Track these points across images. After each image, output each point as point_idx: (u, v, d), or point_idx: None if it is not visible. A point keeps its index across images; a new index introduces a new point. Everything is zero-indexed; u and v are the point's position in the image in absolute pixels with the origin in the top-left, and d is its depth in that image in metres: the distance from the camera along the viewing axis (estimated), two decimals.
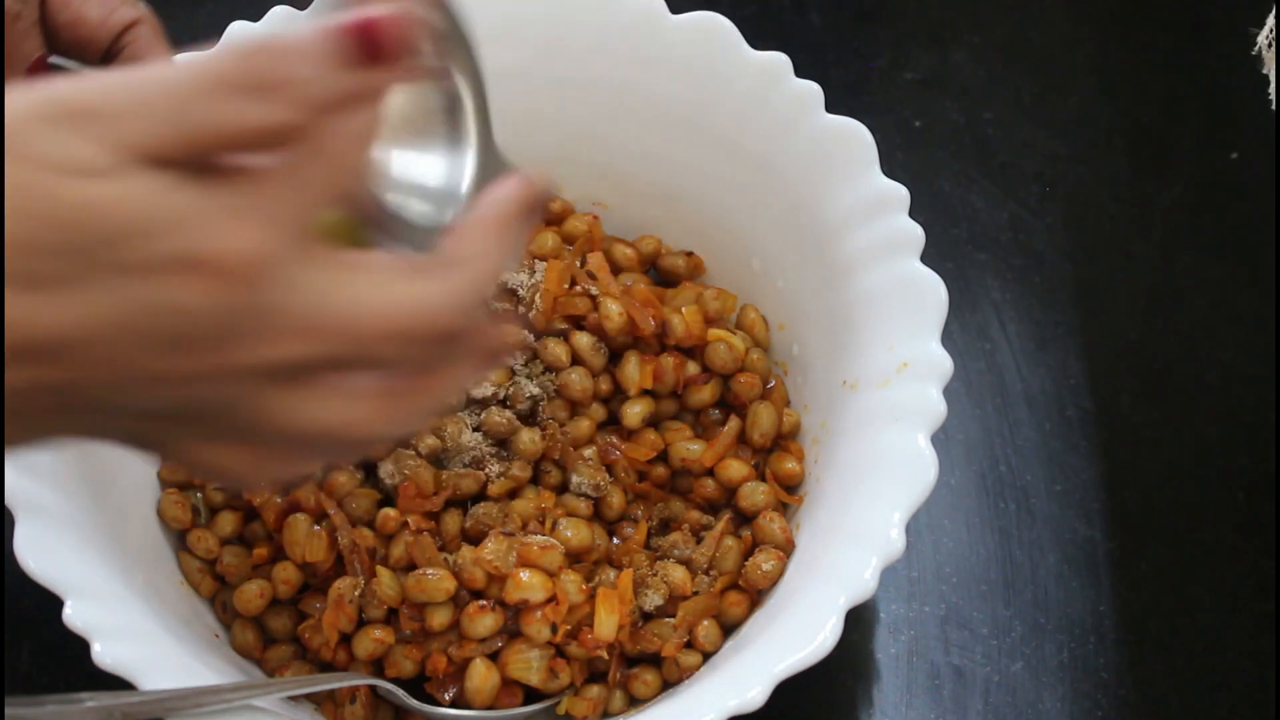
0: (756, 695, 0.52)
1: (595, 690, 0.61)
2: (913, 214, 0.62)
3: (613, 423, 0.67)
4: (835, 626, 0.53)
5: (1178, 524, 0.71)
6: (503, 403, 0.65)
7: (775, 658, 0.53)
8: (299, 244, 0.35)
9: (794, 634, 0.54)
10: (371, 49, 0.35)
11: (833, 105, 0.64)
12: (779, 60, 0.65)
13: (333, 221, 0.39)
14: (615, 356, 0.67)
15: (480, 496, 0.64)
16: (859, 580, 0.54)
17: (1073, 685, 0.66)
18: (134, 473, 0.63)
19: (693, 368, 0.67)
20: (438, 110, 0.45)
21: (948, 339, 0.59)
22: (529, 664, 0.60)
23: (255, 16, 0.66)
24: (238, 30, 0.65)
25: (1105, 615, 0.68)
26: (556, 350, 0.65)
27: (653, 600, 0.62)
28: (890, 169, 0.63)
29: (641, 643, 0.61)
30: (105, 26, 0.53)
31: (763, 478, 0.65)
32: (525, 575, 0.59)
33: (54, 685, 0.64)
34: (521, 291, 0.66)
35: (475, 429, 0.64)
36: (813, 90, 0.64)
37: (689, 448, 0.66)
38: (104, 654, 0.52)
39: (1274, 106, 0.72)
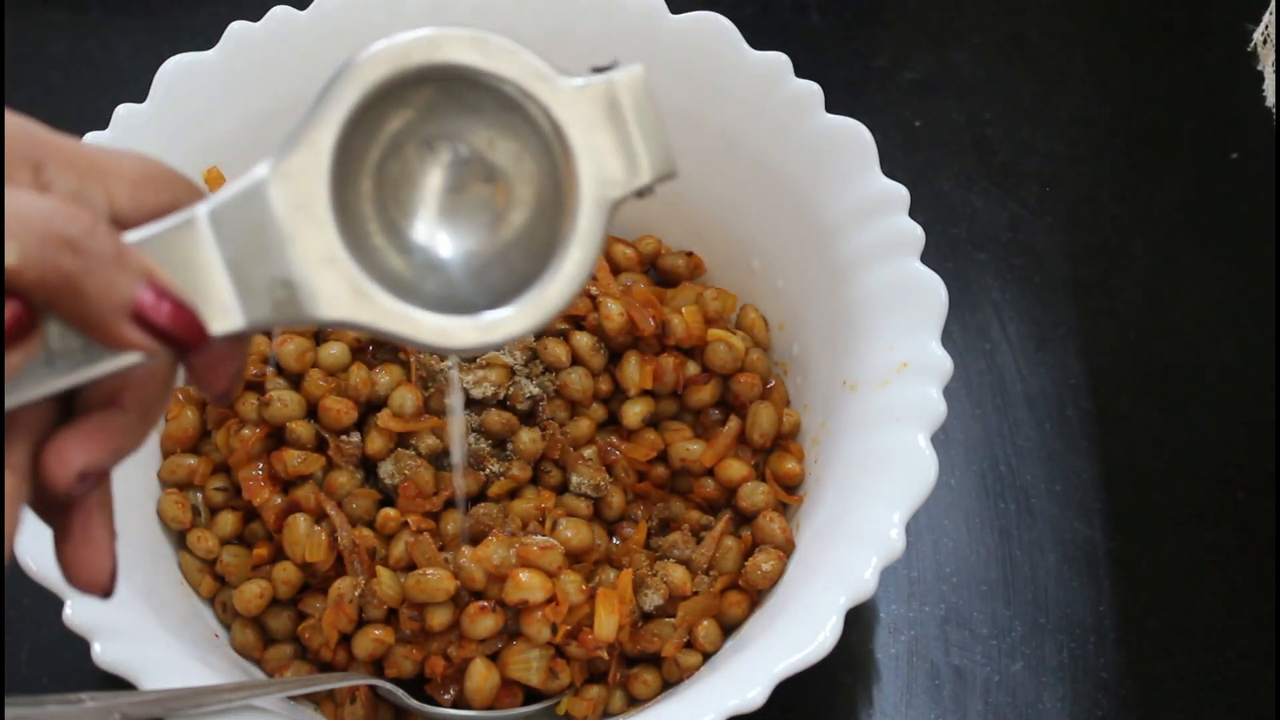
0: (756, 695, 0.52)
1: (595, 690, 0.61)
2: (913, 214, 0.62)
3: (613, 423, 0.67)
4: (835, 626, 0.53)
5: (1178, 524, 0.71)
6: (503, 403, 0.65)
7: (775, 658, 0.53)
8: None
9: (794, 634, 0.54)
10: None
11: (833, 105, 0.64)
12: (779, 60, 0.65)
13: None
14: (615, 356, 0.67)
15: (480, 496, 0.64)
16: (859, 580, 0.54)
17: (1073, 685, 0.66)
18: (134, 473, 0.63)
19: (693, 368, 0.67)
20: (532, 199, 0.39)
21: (948, 339, 0.59)
22: (529, 664, 0.60)
23: (255, 16, 0.66)
24: (238, 30, 0.65)
25: (1105, 615, 0.68)
26: (556, 350, 0.65)
27: (653, 600, 0.62)
28: (890, 169, 0.63)
29: (641, 643, 0.61)
30: None
31: (763, 478, 0.65)
32: (525, 575, 0.59)
33: (54, 685, 0.64)
34: None
35: (475, 429, 0.64)
36: (813, 90, 0.64)
37: (689, 448, 0.66)
38: (104, 654, 0.53)
39: (1269, 102, 0.72)
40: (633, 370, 0.66)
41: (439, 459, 0.64)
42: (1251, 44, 0.72)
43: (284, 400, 0.63)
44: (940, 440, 0.58)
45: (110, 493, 0.38)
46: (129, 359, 0.35)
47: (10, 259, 0.33)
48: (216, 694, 0.54)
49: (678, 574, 0.62)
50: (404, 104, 0.38)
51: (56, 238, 0.34)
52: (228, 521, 0.64)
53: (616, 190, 0.39)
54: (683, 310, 0.66)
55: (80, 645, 0.53)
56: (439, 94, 0.38)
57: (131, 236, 0.36)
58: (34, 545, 0.54)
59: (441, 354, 0.44)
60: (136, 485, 0.63)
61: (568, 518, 0.63)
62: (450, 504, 0.63)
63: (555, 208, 0.39)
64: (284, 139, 0.37)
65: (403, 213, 0.39)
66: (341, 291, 0.37)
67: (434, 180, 0.39)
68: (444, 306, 0.38)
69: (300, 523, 0.62)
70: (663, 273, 0.71)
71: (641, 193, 0.40)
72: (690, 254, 0.71)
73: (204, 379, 0.38)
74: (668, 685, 0.62)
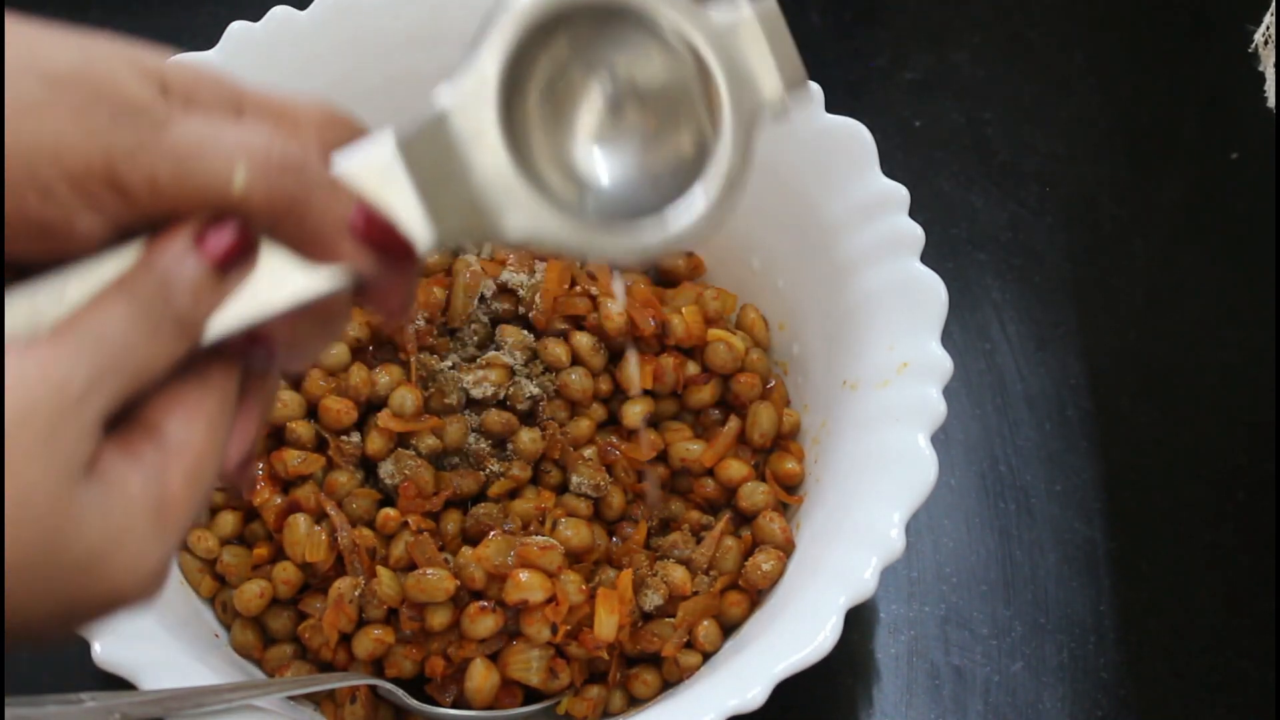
0: (756, 695, 0.52)
1: (595, 690, 0.61)
2: (913, 214, 0.62)
3: (613, 423, 0.67)
4: (835, 626, 0.53)
5: (1178, 524, 0.71)
6: (502, 403, 0.65)
7: (775, 658, 0.53)
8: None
9: (794, 634, 0.54)
10: (233, 260, 0.36)
11: (833, 105, 0.64)
12: None
13: None
14: (615, 356, 0.67)
15: (480, 496, 0.64)
16: (859, 580, 0.54)
17: (1073, 685, 0.66)
18: None
19: (693, 368, 0.67)
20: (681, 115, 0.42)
21: (948, 339, 0.59)
22: (529, 664, 0.60)
23: (255, 16, 0.66)
24: (238, 30, 0.65)
25: (1105, 615, 0.68)
26: (556, 350, 0.65)
27: (653, 600, 0.62)
28: (890, 169, 0.63)
29: (641, 643, 0.61)
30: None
31: (763, 478, 0.65)
32: (525, 575, 0.59)
33: (54, 685, 0.64)
34: (521, 291, 0.66)
35: (475, 429, 0.64)
36: (813, 90, 0.64)
37: (689, 448, 0.66)
38: (104, 654, 0.53)
39: (1270, 103, 0.72)
40: (633, 370, 0.66)
41: (439, 459, 0.64)
42: (1252, 45, 0.73)
43: (284, 400, 0.63)
44: (940, 440, 0.58)
45: (270, 400, 0.39)
46: (336, 280, 0.37)
47: (238, 182, 0.35)
48: (216, 694, 0.54)
49: (678, 574, 0.62)
50: (558, 36, 0.41)
51: (279, 162, 0.35)
52: (228, 521, 0.64)
53: (755, 105, 0.43)
54: (683, 310, 0.66)
55: (80, 645, 0.53)
56: (590, 27, 0.42)
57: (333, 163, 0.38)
58: None
59: (611, 264, 0.49)
60: None
61: (568, 518, 0.63)
62: (450, 504, 0.63)
63: (702, 128, 0.42)
64: (453, 72, 0.40)
65: (564, 137, 0.42)
66: (520, 210, 0.39)
67: (590, 107, 0.42)
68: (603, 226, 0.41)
69: (300, 523, 0.62)
70: (663, 273, 0.71)
71: (778, 107, 0.44)
72: (690, 254, 0.71)
73: (384, 301, 0.39)
74: (668, 685, 0.62)
